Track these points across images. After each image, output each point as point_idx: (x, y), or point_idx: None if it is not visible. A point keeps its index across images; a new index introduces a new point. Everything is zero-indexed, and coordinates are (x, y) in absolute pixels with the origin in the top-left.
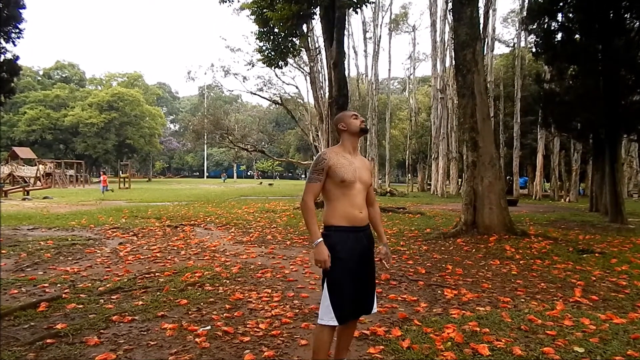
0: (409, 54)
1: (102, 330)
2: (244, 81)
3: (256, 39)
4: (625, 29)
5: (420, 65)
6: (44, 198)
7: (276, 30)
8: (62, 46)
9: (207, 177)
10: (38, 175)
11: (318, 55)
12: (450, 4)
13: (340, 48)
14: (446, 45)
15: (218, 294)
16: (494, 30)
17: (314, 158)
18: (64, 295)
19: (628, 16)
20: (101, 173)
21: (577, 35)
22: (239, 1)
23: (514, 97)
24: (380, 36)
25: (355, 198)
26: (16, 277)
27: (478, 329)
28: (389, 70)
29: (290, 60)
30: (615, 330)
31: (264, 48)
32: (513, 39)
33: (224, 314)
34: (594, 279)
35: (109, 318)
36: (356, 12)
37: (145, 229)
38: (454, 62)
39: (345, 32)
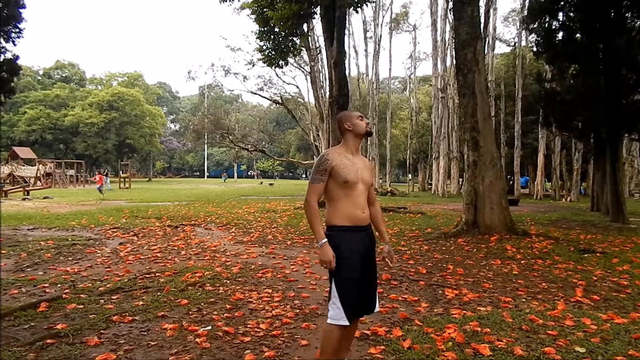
0: (410, 54)
1: (102, 331)
2: (244, 81)
3: (256, 38)
4: (626, 28)
5: (421, 65)
6: (44, 198)
7: (276, 29)
8: (62, 46)
9: (208, 177)
10: (38, 175)
11: (318, 55)
12: (450, 3)
13: (340, 47)
14: (447, 44)
15: (218, 294)
16: (494, 29)
17: (316, 158)
18: (64, 295)
19: (629, 15)
20: (97, 172)
21: (578, 35)
22: (239, 0)
23: (515, 97)
24: (380, 35)
25: (357, 198)
26: (16, 277)
27: (479, 329)
28: (390, 69)
29: (290, 60)
30: (617, 330)
31: (264, 47)
32: (514, 38)
33: (225, 314)
34: (595, 278)
35: (109, 318)
36: (357, 12)
37: (146, 229)
38: (454, 61)
39: (346, 32)
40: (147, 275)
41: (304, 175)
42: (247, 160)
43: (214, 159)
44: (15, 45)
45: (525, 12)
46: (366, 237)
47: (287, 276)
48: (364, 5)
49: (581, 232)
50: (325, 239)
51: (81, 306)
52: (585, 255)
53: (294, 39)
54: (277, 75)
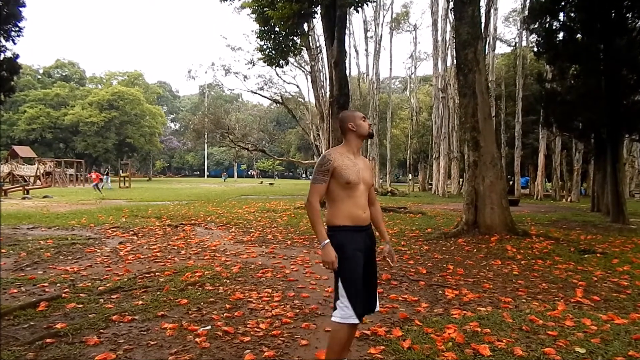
0: (410, 53)
1: (102, 330)
2: (244, 80)
3: (257, 37)
4: (627, 29)
5: (422, 65)
6: (44, 197)
7: (277, 29)
8: (62, 45)
9: (208, 176)
10: (38, 174)
11: (319, 54)
12: (451, 3)
13: (341, 47)
14: (447, 44)
15: (218, 294)
16: (495, 29)
17: (318, 158)
18: (63, 294)
19: (630, 16)
20: (93, 170)
21: (578, 35)
22: (239, 0)
23: (515, 97)
24: (381, 35)
25: (359, 199)
26: (16, 276)
27: (479, 329)
28: (390, 69)
29: (291, 59)
30: (617, 331)
31: (264, 47)
32: (514, 39)
33: (224, 314)
34: (596, 279)
35: (108, 318)
36: (357, 11)
37: (146, 228)
38: (455, 61)
39: (346, 31)
40: (146, 275)
41: (304, 175)
42: (247, 160)
43: (214, 158)
44: (15, 44)
45: (526, 12)
46: (367, 237)
47: (287, 276)
48: (365, 4)
49: (581, 232)
50: (328, 240)
51: (81, 305)
52: (586, 255)
53: (295, 38)
54: (277, 74)
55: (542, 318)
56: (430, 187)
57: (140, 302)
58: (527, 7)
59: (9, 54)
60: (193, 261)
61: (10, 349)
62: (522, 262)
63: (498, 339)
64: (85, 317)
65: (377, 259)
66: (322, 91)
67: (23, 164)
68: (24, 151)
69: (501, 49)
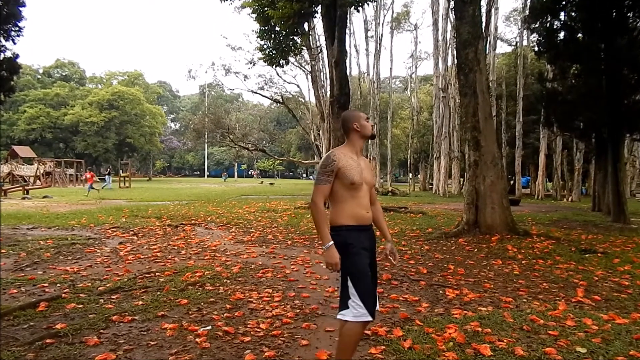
0: (411, 53)
1: (102, 330)
2: (245, 80)
3: (257, 37)
4: (628, 28)
5: (422, 64)
6: (44, 197)
7: (277, 28)
8: (62, 44)
9: (208, 176)
10: (38, 174)
11: (319, 54)
12: (452, 3)
13: (341, 46)
14: (448, 44)
15: (219, 294)
16: (496, 29)
17: (321, 158)
18: (63, 295)
19: (631, 15)
20: (87, 170)
21: (579, 34)
22: None
23: (516, 96)
24: (382, 35)
25: (362, 199)
26: (15, 276)
27: (480, 329)
28: (391, 69)
29: (291, 59)
30: (618, 331)
31: (265, 46)
32: (515, 38)
33: (225, 314)
34: (597, 279)
35: (108, 318)
36: (358, 11)
37: (146, 228)
38: (456, 60)
39: (347, 31)
40: (146, 275)
41: (304, 175)
42: (247, 160)
43: (214, 158)
44: (15, 43)
45: (527, 12)
46: (369, 237)
47: (288, 276)
48: (365, 4)
49: (582, 232)
50: (332, 242)
51: (81, 306)
52: (587, 255)
53: (295, 38)
54: (277, 74)
55: (543, 318)
56: (430, 186)
57: (141, 303)
58: (528, 6)
59: (8, 54)
60: (193, 261)
61: (10, 349)
62: (523, 262)
63: (499, 339)
64: (85, 318)
65: (378, 259)
66: (323, 91)
67: (23, 164)
68: (24, 151)
69: (502, 48)
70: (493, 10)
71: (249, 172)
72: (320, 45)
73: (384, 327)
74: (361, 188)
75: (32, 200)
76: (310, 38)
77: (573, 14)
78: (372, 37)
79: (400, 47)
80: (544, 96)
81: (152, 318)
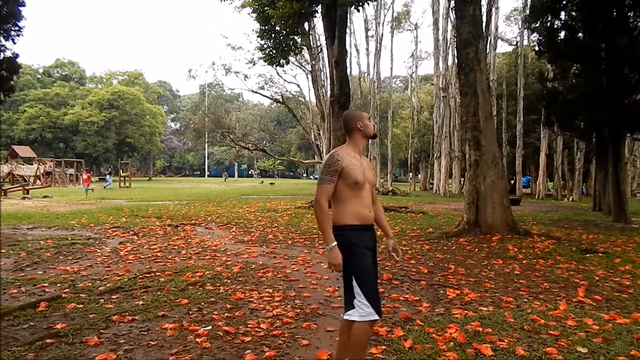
0: (411, 52)
1: (102, 330)
2: (245, 79)
3: (257, 37)
4: (629, 28)
5: (423, 64)
6: (44, 197)
7: (277, 28)
8: (62, 44)
9: (208, 176)
10: (38, 174)
11: (320, 54)
12: (452, 2)
13: (342, 46)
14: (449, 43)
15: (219, 294)
16: (496, 28)
17: (325, 158)
18: (63, 294)
19: (631, 15)
20: (84, 171)
21: (580, 34)
22: None
23: (516, 96)
24: (382, 34)
25: (365, 199)
26: (16, 276)
27: (481, 329)
28: (391, 68)
29: (291, 59)
30: (619, 331)
31: (265, 46)
32: (516, 38)
33: (225, 314)
34: (597, 278)
35: (109, 318)
36: (358, 10)
37: (146, 228)
38: (456, 60)
39: (347, 30)
40: (147, 275)
41: (304, 175)
42: (247, 160)
43: (214, 158)
44: (14, 43)
45: (527, 11)
46: (371, 237)
47: (288, 276)
48: (365, 3)
49: (583, 232)
50: (335, 243)
51: (81, 306)
52: (587, 255)
53: (295, 37)
54: (278, 74)
55: (543, 318)
56: (431, 186)
57: (141, 302)
58: (529, 6)
59: (8, 54)
60: (194, 261)
61: (10, 349)
62: (524, 262)
63: (500, 339)
64: (86, 318)
65: (379, 259)
66: (323, 90)
67: (23, 164)
68: (24, 151)
69: (502, 48)
70: (493, 9)
71: (249, 172)
72: (321, 44)
73: (384, 327)
74: (364, 187)
75: (32, 200)
76: (311, 38)
77: (573, 13)
78: (372, 36)
79: (400, 46)
80: (545, 96)
81: (152, 318)
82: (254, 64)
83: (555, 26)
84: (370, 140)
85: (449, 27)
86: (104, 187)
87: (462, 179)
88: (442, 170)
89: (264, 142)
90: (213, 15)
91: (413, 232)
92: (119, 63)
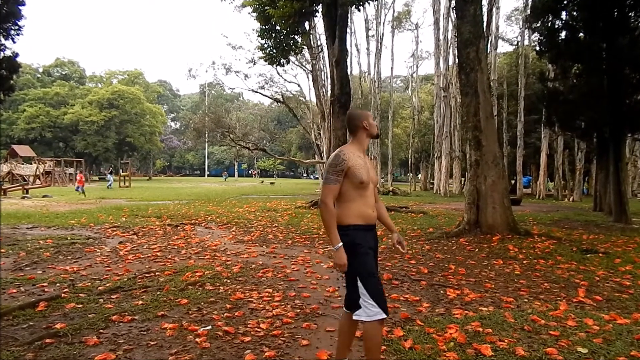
0: (412, 52)
1: (101, 330)
2: (245, 79)
3: (258, 36)
4: (630, 28)
5: (423, 64)
6: (44, 196)
7: (278, 27)
8: (62, 43)
9: (208, 175)
10: (37, 173)
11: (320, 53)
12: (453, 2)
13: (342, 46)
14: (449, 43)
15: (219, 294)
16: (497, 28)
17: (331, 157)
18: (63, 294)
19: (632, 15)
20: (78, 172)
21: (581, 34)
22: None
23: (517, 96)
24: (382, 34)
25: (369, 198)
26: (15, 276)
27: (481, 329)
28: (392, 68)
29: (292, 58)
30: (619, 331)
31: (265, 45)
32: (517, 37)
33: (225, 314)
34: (598, 279)
35: (108, 318)
36: (358, 10)
37: (146, 227)
38: (457, 60)
39: (348, 30)
40: (146, 275)
41: (304, 174)
42: (248, 159)
43: (214, 157)
44: (14, 42)
45: (528, 11)
46: (374, 236)
47: (288, 276)
48: (366, 3)
49: (584, 232)
50: (341, 243)
51: (80, 305)
52: (588, 255)
53: (296, 37)
54: (278, 73)
55: (544, 318)
56: (431, 186)
57: (140, 302)
58: (529, 5)
59: (8, 53)
60: (193, 261)
61: (10, 349)
62: (524, 262)
63: (500, 339)
64: (85, 317)
65: (380, 259)
66: (324, 90)
67: (22, 164)
68: (24, 150)
69: (503, 47)
70: (494, 9)
71: (249, 172)
72: (321, 44)
73: (384, 327)
74: (368, 187)
75: (32, 199)
76: (311, 37)
77: (574, 13)
78: (373, 36)
79: (401, 46)
80: (546, 96)
81: (152, 318)
82: (254, 64)
83: (556, 26)
84: (371, 140)
85: (450, 26)
86: (107, 187)
87: (463, 179)
88: (443, 170)
89: (264, 141)
90: (213, 14)
91: (413, 232)
92: (119, 62)
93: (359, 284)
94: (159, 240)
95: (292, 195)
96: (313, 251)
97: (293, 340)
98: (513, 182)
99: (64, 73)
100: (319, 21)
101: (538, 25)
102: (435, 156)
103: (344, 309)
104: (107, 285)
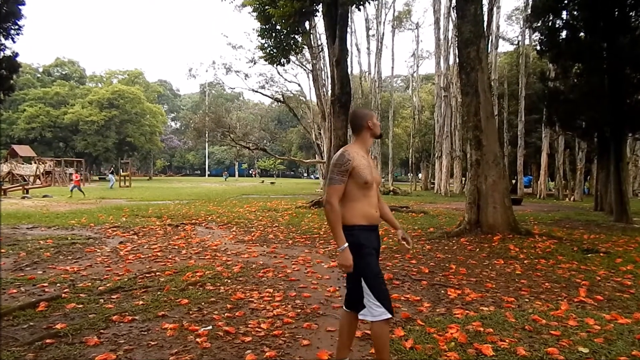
0: (413, 52)
1: (102, 330)
2: (245, 79)
3: (258, 35)
4: (630, 27)
5: (424, 63)
6: (44, 196)
7: (278, 27)
8: (62, 43)
9: (209, 175)
10: (37, 173)
11: (320, 53)
12: (454, 2)
13: (342, 45)
14: (450, 42)
15: (219, 294)
16: (498, 27)
17: (336, 157)
18: (63, 294)
19: (633, 14)
20: (73, 172)
21: (581, 33)
22: None
23: (518, 95)
24: (383, 33)
25: (372, 198)
26: (15, 276)
27: (482, 329)
28: (392, 68)
29: (292, 58)
30: (620, 331)
31: (265, 45)
32: (517, 37)
33: (225, 314)
34: (599, 278)
35: (109, 318)
36: (359, 9)
37: (146, 227)
38: (457, 59)
39: (348, 29)
40: (147, 275)
41: (305, 174)
42: (248, 159)
43: (215, 157)
44: (14, 42)
45: (529, 11)
46: (377, 237)
47: (289, 275)
48: (367, 2)
49: (585, 231)
50: (347, 244)
51: (81, 306)
52: (589, 255)
53: (296, 36)
54: (278, 73)
55: (545, 318)
56: (432, 186)
57: (141, 302)
58: (530, 5)
59: (8, 53)
60: (194, 261)
61: (10, 349)
62: (525, 262)
63: (501, 339)
64: (85, 318)
65: (381, 258)
66: (324, 90)
67: (22, 163)
68: (24, 150)
69: (504, 47)
70: (495, 9)
71: (250, 172)
72: (322, 44)
73: None
74: (372, 187)
75: (32, 199)
76: (311, 37)
77: (575, 12)
78: (373, 35)
79: (401, 45)
80: (546, 95)
81: (152, 318)
82: (254, 63)
83: (557, 25)
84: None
85: (450, 26)
86: (110, 187)
87: (463, 178)
88: (443, 169)
89: (265, 141)
90: (213, 14)
91: (414, 232)
92: (119, 62)
93: (364, 284)
94: (159, 240)
95: (292, 195)
96: (314, 251)
97: (294, 340)
98: (514, 181)
99: (64, 73)
100: (319, 21)
101: (539, 24)
102: (436, 156)
103: (343, 307)
104: (108, 285)
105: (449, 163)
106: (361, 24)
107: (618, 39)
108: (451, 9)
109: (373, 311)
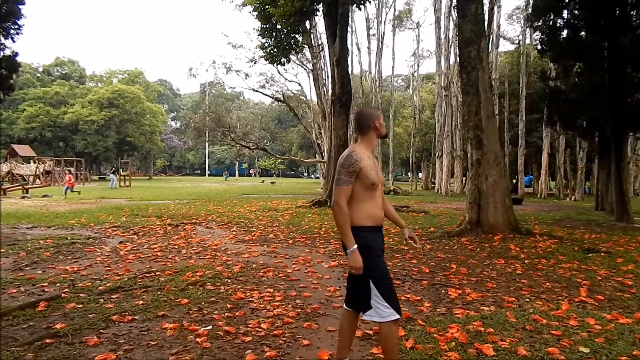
0: (413, 51)
1: (101, 330)
2: (246, 78)
3: (258, 35)
4: (631, 26)
5: (424, 63)
6: (43, 196)
7: (278, 26)
8: (62, 43)
9: (209, 175)
10: (37, 173)
11: (321, 52)
12: (454, 1)
13: (343, 45)
14: (450, 42)
15: (219, 294)
16: (498, 27)
17: (343, 158)
18: (63, 294)
19: (634, 13)
20: (67, 172)
21: (582, 32)
22: None
23: (519, 95)
24: (383, 33)
25: (378, 199)
26: (15, 276)
27: (482, 329)
28: (393, 67)
29: (292, 57)
30: (621, 331)
31: (266, 45)
32: (518, 36)
33: (226, 314)
34: (600, 278)
35: (108, 318)
36: (359, 9)
37: (146, 227)
38: (458, 59)
39: (349, 29)
40: (147, 274)
41: (305, 174)
42: (248, 159)
43: (215, 157)
44: (14, 42)
45: (530, 10)
46: (382, 237)
47: (289, 275)
48: (367, 2)
49: (585, 231)
50: (356, 246)
51: (80, 305)
52: (590, 254)
53: (296, 36)
54: (279, 72)
55: (545, 317)
56: (433, 185)
57: (141, 302)
58: (531, 4)
59: (8, 52)
60: (194, 260)
61: (10, 349)
62: (526, 261)
63: (501, 339)
64: (85, 317)
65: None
66: (324, 89)
67: (22, 163)
68: (24, 150)
69: (504, 46)
70: (496, 8)
71: (250, 171)
72: (322, 43)
73: None
74: (378, 188)
75: (32, 199)
76: (312, 36)
77: (576, 12)
78: (374, 35)
79: (402, 45)
80: (547, 94)
81: (152, 318)
82: (255, 63)
83: (558, 25)
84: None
85: (451, 25)
86: (110, 187)
87: (464, 178)
88: (444, 169)
89: (265, 141)
90: (214, 13)
91: (415, 232)
92: (119, 62)
93: (372, 285)
94: (159, 240)
95: (292, 194)
96: (314, 251)
97: (294, 340)
98: (514, 181)
99: (64, 72)
100: (319, 20)
101: (539, 23)
102: (437, 155)
103: (344, 306)
104: (108, 285)
105: (450, 162)
106: (362, 23)
107: (619, 38)
108: (452, 8)
109: (381, 312)
